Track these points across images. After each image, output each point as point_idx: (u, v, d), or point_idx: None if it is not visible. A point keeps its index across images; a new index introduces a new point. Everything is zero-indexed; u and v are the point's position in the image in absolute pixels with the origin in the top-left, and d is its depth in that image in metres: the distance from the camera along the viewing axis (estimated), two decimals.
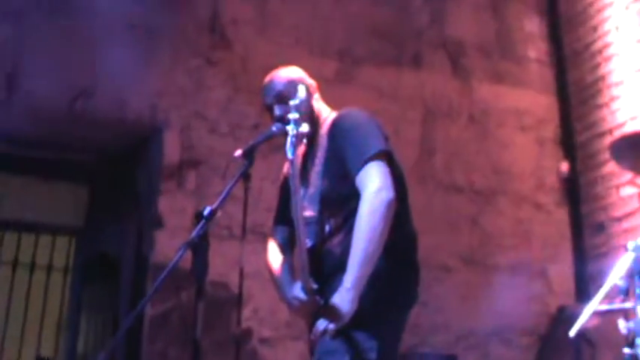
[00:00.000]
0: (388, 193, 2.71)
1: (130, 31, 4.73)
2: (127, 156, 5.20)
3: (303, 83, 3.01)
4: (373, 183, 2.72)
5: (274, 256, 3.12)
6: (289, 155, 2.58)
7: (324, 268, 2.84)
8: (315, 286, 2.74)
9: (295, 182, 2.63)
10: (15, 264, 5.75)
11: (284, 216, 3.14)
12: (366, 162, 2.76)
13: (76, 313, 5.45)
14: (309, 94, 3.02)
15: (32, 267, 5.79)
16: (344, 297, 2.63)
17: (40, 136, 5.04)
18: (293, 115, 2.60)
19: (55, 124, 4.90)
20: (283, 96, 2.97)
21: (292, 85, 2.98)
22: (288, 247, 3.16)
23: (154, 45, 4.88)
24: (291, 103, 2.62)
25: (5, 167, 5.32)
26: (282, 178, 3.24)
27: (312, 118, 2.95)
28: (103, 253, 5.26)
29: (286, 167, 3.21)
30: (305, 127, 2.60)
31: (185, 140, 4.84)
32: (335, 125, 2.95)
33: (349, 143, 2.85)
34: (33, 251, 5.80)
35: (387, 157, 2.82)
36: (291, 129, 2.58)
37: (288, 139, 2.58)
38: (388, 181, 2.74)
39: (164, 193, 4.73)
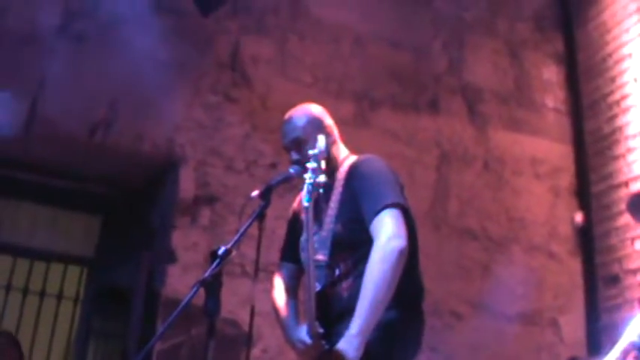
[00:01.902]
0: (401, 242, 2.71)
1: (152, 65, 4.75)
2: (141, 189, 5.23)
3: (323, 128, 3.02)
4: (387, 231, 2.72)
5: (280, 295, 3.13)
6: (305, 203, 2.59)
7: (331, 312, 2.84)
8: (321, 331, 2.73)
9: (309, 230, 2.64)
10: (25, 291, 5.74)
11: (291, 253, 3.16)
12: (382, 210, 2.77)
13: (84, 344, 5.43)
14: (329, 140, 3.03)
15: (42, 295, 5.78)
16: (350, 343, 2.61)
17: (56, 165, 5.08)
18: (311, 165, 2.61)
19: (73, 154, 4.94)
20: (300, 141, 2.99)
21: (311, 129, 3.00)
22: (293, 287, 3.17)
23: (175, 80, 4.92)
24: (310, 152, 2.64)
25: (20, 194, 5.34)
26: (291, 213, 3.25)
27: (330, 162, 2.94)
28: (114, 285, 5.26)
29: (296, 203, 3.23)
30: (322, 178, 2.61)
31: (200, 176, 4.86)
32: (353, 170, 2.96)
33: (366, 190, 2.86)
34: (44, 279, 5.80)
35: (402, 208, 2.82)
36: (308, 177, 2.60)
37: (305, 187, 2.60)
38: (402, 230, 2.75)
39: (178, 229, 4.74)
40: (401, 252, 2.70)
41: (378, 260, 2.68)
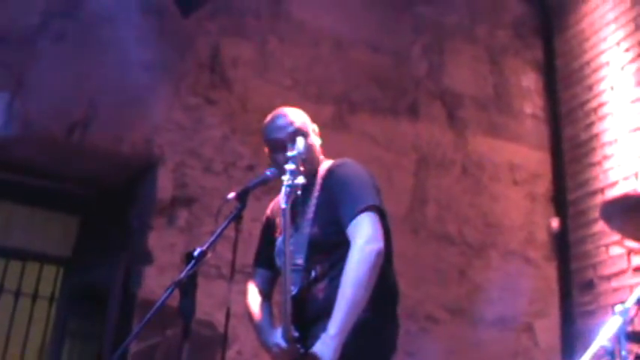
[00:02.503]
0: (378, 244, 2.73)
1: (132, 66, 4.74)
2: (119, 189, 5.20)
3: (303, 131, 3.04)
4: (364, 233, 2.74)
5: (254, 300, 3.14)
6: (282, 205, 2.61)
7: (307, 314, 2.85)
8: (296, 334, 2.74)
9: (287, 232, 2.65)
10: (0, 290, 5.70)
11: (265, 259, 3.17)
12: (359, 212, 2.79)
13: (59, 343, 5.39)
14: (307, 142, 3.03)
15: (17, 294, 5.75)
16: (327, 345, 2.62)
17: (33, 164, 5.04)
18: (289, 166, 2.63)
19: (51, 154, 4.91)
20: (281, 142, 3.00)
21: (292, 131, 3.01)
22: (267, 292, 3.19)
23: (154, 81, 4.90)
24: (289, 154, 2.65)
25: None
26: (264, 219, 3.26)
27: (308, 165, 2.94)
28: (90, 285, 5.23)
29: (269, 209, 3.24)
30: (300, 180, 2.63)
31: (179, 177, 4.85)
32: (330, 173, 2.97)
33: (344, 192, 2.87)
34: (19, 278, 5.76)
35: (379, 211, 2.84)
36: (286, 179, 2.61)
37: (283, 189, 2.61)
38: (379, 232, 2.77)
39: (155, 229, 4.72)
40: (378, 254, 2.72)
41: (355, 262, 2.70)
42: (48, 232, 5.88)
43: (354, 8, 5.78)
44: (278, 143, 3.02)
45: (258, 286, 3.18)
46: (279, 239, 3.03)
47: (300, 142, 2.72)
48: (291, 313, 2.70)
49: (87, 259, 5.34)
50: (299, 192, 2.67)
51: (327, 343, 2.62)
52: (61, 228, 5.80)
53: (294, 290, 2.84)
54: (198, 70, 5.12)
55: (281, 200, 2.63)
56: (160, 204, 4.78)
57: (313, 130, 3.16)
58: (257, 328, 3.05)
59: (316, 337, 2.68)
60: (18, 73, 4.61)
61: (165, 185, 4.80)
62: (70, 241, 5.63)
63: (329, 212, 2.90)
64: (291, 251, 2.84)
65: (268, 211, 3.25)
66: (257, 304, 3.11)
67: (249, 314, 3.12)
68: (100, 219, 5.30)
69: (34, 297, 5.74)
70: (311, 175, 2.99)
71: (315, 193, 2.97)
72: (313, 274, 2.90)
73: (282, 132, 3.05)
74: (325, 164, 3.07)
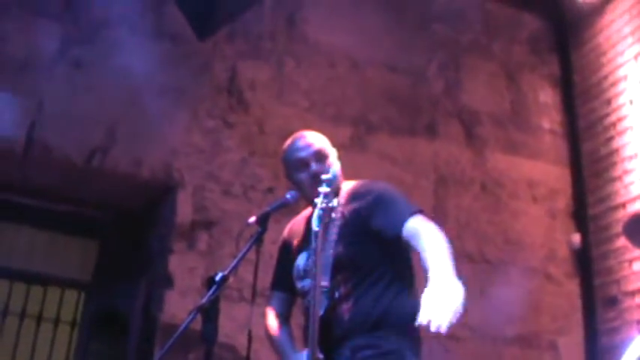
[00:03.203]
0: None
1: (149, 90, 4.78)
2: (139, 213, 5.22)
3: (325, 152, 3.06)
4: (428, 225, 2.80)
5: (273, 323, 3.14)
6: (315, 228, 2.59)
7: (332, 335, 2.84)
8: (321, 357, 2.73)
9: (318, 255, 2.63)
10: (22, 315, 5.72)
11: (283, 282, 3.16)
12: (414, 214, 2.83)
13: None
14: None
15: (39, 319, 5.77)
16: (451, 281, 2.55)
17: (54, 189, 5.08)
18: (324, 189, 2.62)
19: (70, 178, 4.94)
20: (323, 155, 3.03)
21: (315, 150, 3.05)
22: (286, 315, 3.19)
23: (172, 105, 4.93)
24: (324, 177, 2.65)
25: (17, 218, 5.34)
26: (281, 242, 3.25)
27: (335, 187, 2.96)
28: (112, 310, 5.24)
29: (286, 231, 3.24)
30: (334, 203, 2.62)
31: (198, 200, 4.86)
32: (355, 192, 2.98)
33: (388, 203, 2.91)
34: (41, 303, 5.78)
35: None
36: (320, 202, 2.60)
37: (316, 212, 2.60)
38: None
39: (175, 253, 4.73)
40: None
41: (436, 236, 2.74)
42: (69, 256, 5.90)
43: (370, 28, 5.80)
44: (302, 162, 3.03)
45: (276, 309, 3.17)
46: (298, 262, 3.03)
47: (336, 165, 2.73)
48: (318, 335, 2.68)
49: (108, 283, 5.35)
50: (333, 215, 2.67)
51: (449, 280, 2.55)
52: (81, 252, 5.82)
53: (320, 312, 2.83)
54: (216, 93, 5.15)
55: (314, 222, 2.62)
56: (180, 228, 4.79)
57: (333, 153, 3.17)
58: (279, 352, 3.05)
59: (341, 357, 2.66)
60: (38, 100, 4.65)
61: (184, 209, 4.82)
62: (90, 265, 5.65)
63: (354, 230, 2.91)
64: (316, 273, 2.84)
65: (285, 233, 3.25)
66: (277, 329, 3.11)
67: (269, 338, 3.11)
68: (120, 243, 5.32)
69: (56, 322, 5.75)
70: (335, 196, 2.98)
71: (338, 214, 2.96)
72: (337, 294, 2.89)
73: (305, 151, 3.07)
74: (346, 185, 3.07)
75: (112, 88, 4.75)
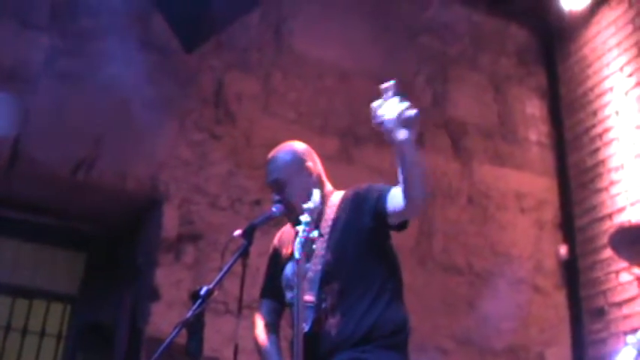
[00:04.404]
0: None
1: (136, 103, 4.76)
2: (125, 226, 5.20)
3: (305, 169, 3.05)
4: None
5: (261, 333, 3.12)
6: (296, 255, 2.58)
7: (320, 350, 2.82)
8: None
9: (299, 282, 2.62)
10: (7, 328, 5.68)
11: (272, 289, 3.15)
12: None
13: None
14: (312, 180, 3.05)
15: (24, 332, 5.73)
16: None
17: (39, 202, 5.05)
18: (305, 218, 2.61)
19: (56, 192, 4.91)
20: (280, 183, 3.03)
21: (293, 170, 3.04)
22: (274, 323, 3.16)
23: (159, 117, 4.91)
24: (305, 206, 2.64)
25: (2, 231, 5.30)
26: (271, 249, 3.24)
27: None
28: (98, 322, 5.22)
29: (277, 239, 3.23)
30: (315, 234, 2.61)
31: (185, 213, 4.84)
32: (348, 199, 2.98)
33: (376, 191, 2.89)
34: (26, 316, 5.74)
35: None
36: (301, 230, 2.59)
37: (297, 239, 2.59)
38: None
39: (161, 266, 4.71)
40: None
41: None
42: (54, 269, 5.86)
43: (357, 40, 5.80)
44: (278, 183, 3.06)
45: (265, 318, 3.16)
46: (287, 271, 3.03)
47: (316, 194, 2.71)
48: (303, 350, 2.67)
49: (94, 296, 5.33)
50: (314, 246, 2.67)
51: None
52: (67, 265, 5.79)
53: (305, 327, 2.81)
54: (203, 105, 5.14)
55: (295, 250, 2.61)
56: (166, 240, 4.77)
57: (316, 164, 3.15)
58: None
59: None
60: (23, 111, 4.62)
61: (171, 222, 4.80)
62: (76, 278, 5.62)
63: (343, 236, 2.90)
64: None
65: (275, 241, 3.24)
66: (265, 339, 3.09)
67: (257, 348, 3.10)
68: (106, 256, 5.30)
69: (42, 334, 5.72)
70: (320, 210, 2.95)
71: (328, 222, 2.95)
72: (324, 305, 2.87)
73: (268, 178, 3.10)
74: (337, 195, 3.06)
75: (99, 99, 4.73)
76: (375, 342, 2.78)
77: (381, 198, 2.83)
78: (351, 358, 2.76)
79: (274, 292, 3.12)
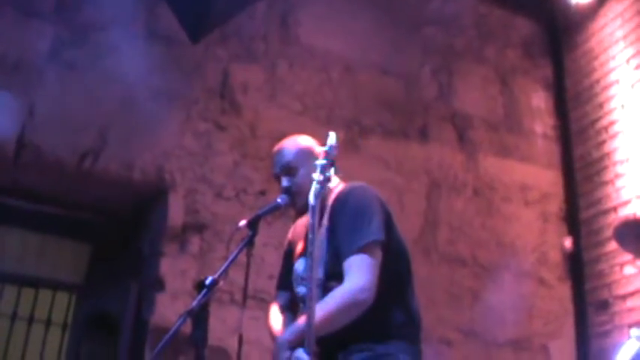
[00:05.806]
0: (365, 295, 2.71)
1: (142, 93, 4.76)
2: (131, 216, 5.21)
3: (314, 157, 3.02)
4: (355, 279, 2.72)
5: (275, 319, 3.12)
6: (311, 201, 2.54)
7: (325, 340, 2.81)
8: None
9: (315, 232, 2.55)
10: (14, 317, 5.71)
11: (286, 282, 3.15)
12: (356, 252, 2.76)
13: None
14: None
15: (30, 321, 5.75)
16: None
17: (45, 192, 5.05)
18: (320, 161, 2.58)
19: (62, 181, 4.91)
20: (291, 167, 3.01)
21: (302, 157, 3.03)
22: (289, 310, 3.16)
23: (164, 107, 4.92)
24: (318, 162, 2.60)
25: (8, 220, 5.33)
26: (286, 244, 3.25)
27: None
28: (103, 312, 5.23)
29: (291, 234, 3.23)
30: (332, 172, 2.58)
31: (190, 203, 4.84)
32: (338, 201, 2.95)
33: (345, 225, 2.85)
34: (32, 305, 5.77)
35: (380, 245, 2.81)
36: (316, 175, 2.56)
37: (314, 185, 2.56)
38: (370, 280, 2.73)
39: (166, 256, 4.71)
40: (360, 305, 2.70)
41: (334, 304, 2.69)
42: (60, 259, 5.89)
43: (363, 31, 5.80)
44: (277, 178, 3.07)
45: (280, 307, 3.16)
46: (297, 266, 3.03)
47: (332, 137, 2.65)
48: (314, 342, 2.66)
49: (99, 285, 5.34)
50: (330, 185, 2.63)
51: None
52: (72, 255, 5.81)
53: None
54: (208, 95, 5.13)
55: (310, 197, 2.56)
56: (172, 230, 4.77)
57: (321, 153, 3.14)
58: (272, 337, 3.04)
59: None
60: (29, 101, 4.63)
61: (176, 212, 4.80)
62: (82, 268, 5.64)
63: (334, 241, 2.88)
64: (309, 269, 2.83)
65: (290, 235, 3.25)
66: (278, 322, 3.09)
67: (270, 333, 3.09)
68: (112, 246, 5.30)
69: (47, 324, 5.75)
70: (325, 199, 2.94)
71: (327, 217, 2.95)
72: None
73: (276, 167, 3.10)
74: (337, 189, 3.05)
75: (104, 90, 4.74)
76: (383, 335, 2.78)
77: (342, 251, 2.82)
78: (361, 347, 2.77)
79: (289, 285, 3.13)
